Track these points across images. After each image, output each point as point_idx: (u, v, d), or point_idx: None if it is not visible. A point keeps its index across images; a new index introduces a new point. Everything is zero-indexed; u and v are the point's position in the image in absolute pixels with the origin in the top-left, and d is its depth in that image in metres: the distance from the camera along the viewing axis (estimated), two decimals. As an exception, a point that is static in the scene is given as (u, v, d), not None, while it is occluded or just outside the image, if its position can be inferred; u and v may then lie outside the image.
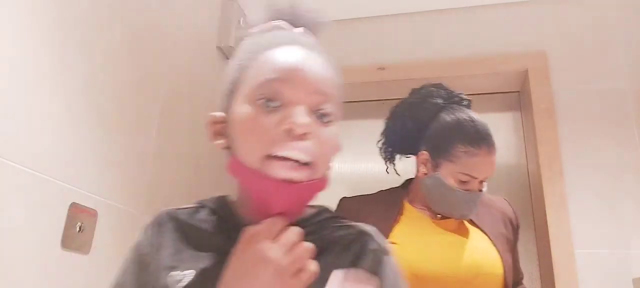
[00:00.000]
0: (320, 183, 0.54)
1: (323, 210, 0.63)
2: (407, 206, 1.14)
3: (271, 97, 0.52)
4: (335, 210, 1.20)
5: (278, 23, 0.62)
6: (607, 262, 1.49)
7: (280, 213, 0.52)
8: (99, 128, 1.14)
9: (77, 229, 1.05)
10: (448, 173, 1.05)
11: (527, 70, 1.76)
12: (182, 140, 1.54)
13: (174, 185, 1.47)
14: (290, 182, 0.50)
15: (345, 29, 1.99)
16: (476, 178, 1.04)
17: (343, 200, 1.21)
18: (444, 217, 1.10)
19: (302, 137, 0.50)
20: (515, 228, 1.16)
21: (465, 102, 1.16)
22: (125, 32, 1.25)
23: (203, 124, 1.82)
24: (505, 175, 1.82)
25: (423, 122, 1.14)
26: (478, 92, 1.93)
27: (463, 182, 1.04)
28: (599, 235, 1.52)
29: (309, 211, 0.62)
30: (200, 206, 0.63)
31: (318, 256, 0.51)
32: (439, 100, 1.13)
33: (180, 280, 0.53)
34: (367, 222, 1.08)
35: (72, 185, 1.04)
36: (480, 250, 1.05)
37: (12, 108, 0.90)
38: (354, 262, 0.57)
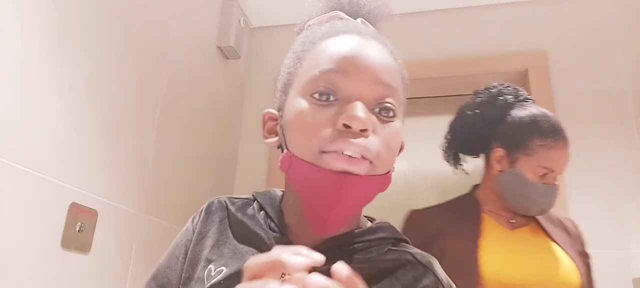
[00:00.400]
0: (382, 181, 0.49)
1: (381, 227, 0.55)
2: (484, 216, 1.11)
3: (327, 90, 0.48)
4: (404, 224, 1.13)
5: (336, 13, 0.58)
6: (607, 262, 1.49)
7: (335, 212, 0.47)
8: (99, 128, 1.14)
9: (77, 229, 1.05)
10: (526, 168, 1.05)
11: (527, 70, 1.76)
12: (182, 140, 1.54)
13: (173, 185, 1.47)
14: (348, 174, 0.45)
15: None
16: (554, 171, 1.05)
17: (412, 213, 1.17)
18: (518, 225, 1.10)
19: (360, 133, 0.45)
20: (583, 247, 1.15)
21: (530, 101, 1.17)
22: (125, 32, 1.25)
23: (203, 124, 1.80)
24: (505, 175, 1.82)
25: (493, 120, 1.13)
26: (478, 92, 1.93)
27: (541, 176, 1.05)
28: (599, 235, 1.52)
29: (366, 224, 0.56)
30: (253, 199, 0.59)
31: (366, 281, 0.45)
32: (509, 97, 1.14)
33: (213, 277, 0.51)
34: (449, 240, 1.03)
35: (72, 185, 1.04)
36: (559, 258, 1.05)
37: (13, 108, 0.90)
38: None
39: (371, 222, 0.58)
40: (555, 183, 1.06)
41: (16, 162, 0.90)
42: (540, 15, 1.82)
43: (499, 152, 1.11)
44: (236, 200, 0.60)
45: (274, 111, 0.56)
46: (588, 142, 1.62)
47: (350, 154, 0.45)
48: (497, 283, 0.98)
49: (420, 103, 1.94)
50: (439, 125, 1.94)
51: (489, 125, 1.14)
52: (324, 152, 0.46)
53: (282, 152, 0.52)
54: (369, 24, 0.58)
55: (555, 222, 1.14)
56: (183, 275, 0.55)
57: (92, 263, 1.10)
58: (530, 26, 1.81)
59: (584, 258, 1.11)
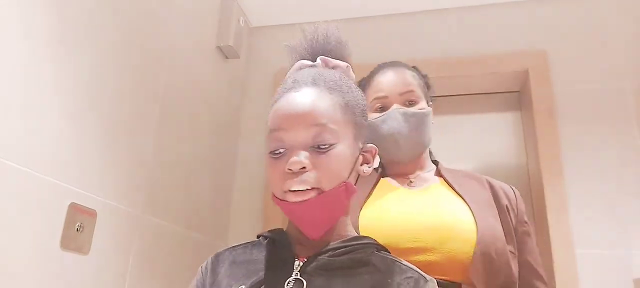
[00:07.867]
0: (337, 192, 0.64)
1: (365, 237, 0.70)
2: (382, 180, 1.07)
3: (276, 146, 0.64)
4: None
5: (299, 63, 0.75)
6: (607, 262, 1.49)
7: (307, 226, 0.65)
8: (98, 128, 1.14)
9: (76, 229, 1.04)
10: (369, 112, 1.08)
11: (527, 70, 1.75)
12: (182, 139, 1.53)
13: (173, 185, 1.47)
14: (302, 202, 0.62)
15: (345, 29, 1.97)
16: (385, 96, 1.08)
17: None
18: (417, 185, 1.04)
19: (301, 171, 0.61)
20: (513, 210, 1.01)
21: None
22: (124, 31, 1.25)
23: (202, 123, 1.79)
24: (505, 175, 1.82)
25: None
26: (478, 92, 1.93)
27: (380, 108, 1.09)
28: (599, 235, 1.52)
29: (351, 234, 0.70)
30: (257, 237, 0.74)
31: (347, 273, 0.62)
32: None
33: None
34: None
35: (71, 185, 1.04)
36: (451, 211, 0.93)
37: (11, 108, 0.90)
38: None
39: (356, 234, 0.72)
40: (406, 106, 1.07)
41: (15, 161, 0.90)
42: (540, 15, 1.82)
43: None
44: (238, 244, 0.74)
45: None
46: (588, 142, 1.62)
47: (296, 189, 0.62)
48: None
49: (420, 103, 1.93)
50: (438, 125, 1.94)
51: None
52: (285, 191, 0.63)
53: None
54: (328, 59, 0.75)
55: (486, 184, 1.04)
56: None
57: (92, 263, 1.09)
58: (530, 26, 1.81)
59: (504, 215, 0.98)
